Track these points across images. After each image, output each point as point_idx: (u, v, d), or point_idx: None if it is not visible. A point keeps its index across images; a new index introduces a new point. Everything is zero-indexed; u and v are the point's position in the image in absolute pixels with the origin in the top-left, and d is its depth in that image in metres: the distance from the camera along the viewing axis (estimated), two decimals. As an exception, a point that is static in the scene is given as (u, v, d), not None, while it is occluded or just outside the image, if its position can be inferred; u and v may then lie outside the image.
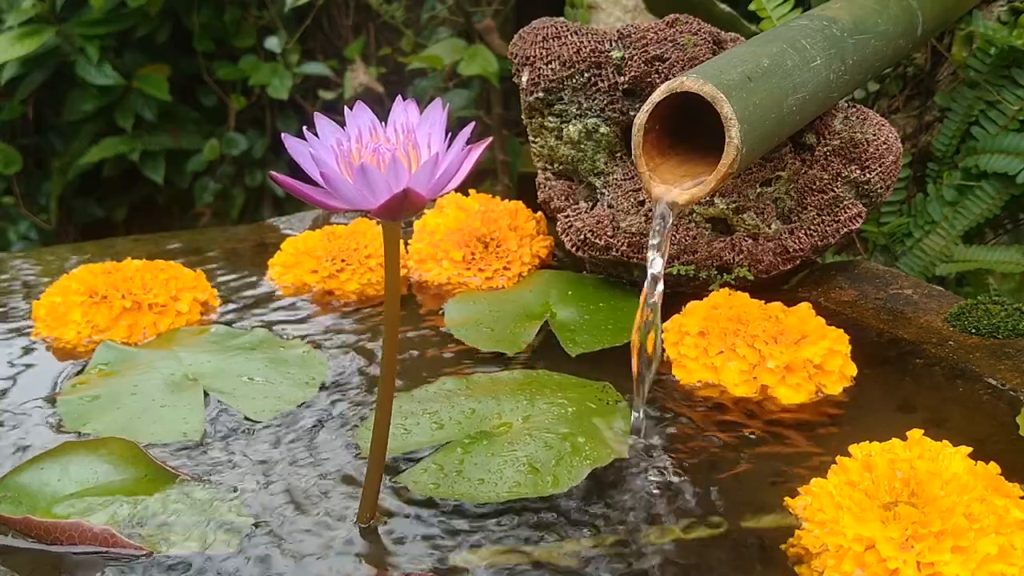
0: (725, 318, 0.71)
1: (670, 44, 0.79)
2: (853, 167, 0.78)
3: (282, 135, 0.50)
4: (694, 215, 0.81)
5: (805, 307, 0.72)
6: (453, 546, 0.53)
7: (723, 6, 0.99)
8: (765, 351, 0.68)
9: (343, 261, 0.88)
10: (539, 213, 0.93)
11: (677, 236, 0.80)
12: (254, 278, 0.92)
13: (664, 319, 0.68)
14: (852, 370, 0.69)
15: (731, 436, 0.63)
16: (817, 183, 0.79)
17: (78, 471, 0.59)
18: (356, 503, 0.57)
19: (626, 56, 0.80)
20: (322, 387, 0.71)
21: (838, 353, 0.68)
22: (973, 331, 0.73)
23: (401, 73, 1.77)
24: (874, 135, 0.78)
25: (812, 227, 0.79)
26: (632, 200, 0.81)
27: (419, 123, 0.50)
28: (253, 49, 1.89)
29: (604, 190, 0.84)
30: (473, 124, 0.49)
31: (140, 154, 1.83)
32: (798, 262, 0.80)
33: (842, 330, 0.71)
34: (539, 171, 0.88)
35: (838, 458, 0.55)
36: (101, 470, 0.59)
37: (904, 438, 0.55)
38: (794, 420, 0.65)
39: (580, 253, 0.84)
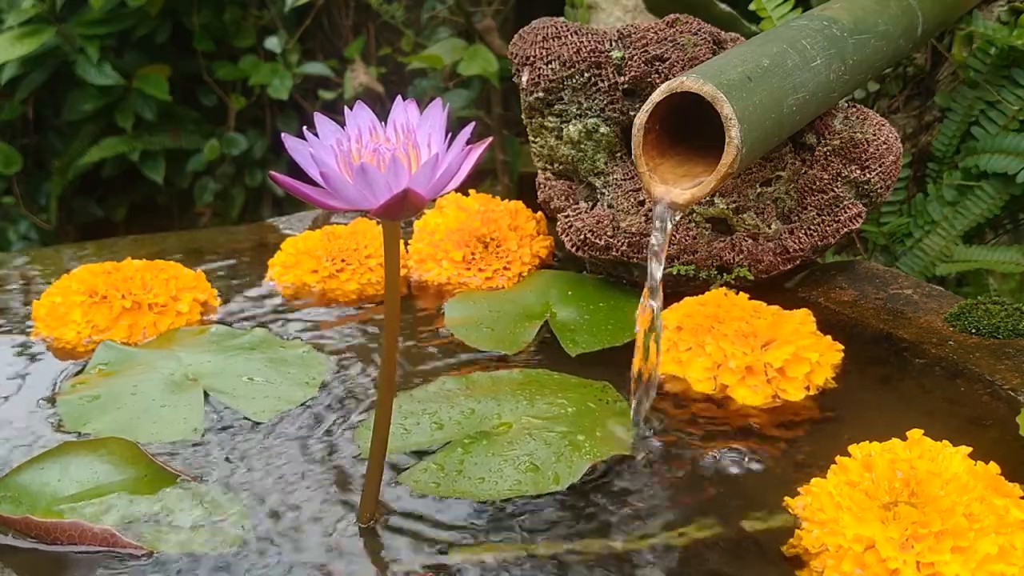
0: (703, 315, 0.71)
1: (670, 44, 0.79)
2: (853, 167, 0.78)
3: (282, 135, 0.49)
4: (694, 215, 0.81)
5: (802, 313, 0.71)
6: (453, 545, 0.53)
7: (723, 6, 0.99)
8: (729, 351, 0.68)
9: (343, 261, 0.88)
10: (539, 213, 0.93)
11: (677, 236, 0.80)
12: (254, 278, 0.92)
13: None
14: (820, 379, 0.68)
15: (731, 435, 0.63)
16: (817, 183, 0.79)
17: (78, 471, 0.59)
18: (356, 503, 0.57)
19: (626, 56, 0.80)
20: (322, 387, 0.71)
21: (805, 360, 0.67)
22: (973, 331, 0.73)
23: (401, 73, 1.77)
24: (874, 135, 0.78)
25: (812, 227, 0.79)
26: (632, 200, 0.81)
27: (419, 123, 0.50)
28: (253, 49, 1.89)
29: (604, 190, 0.84)
30: (473, 124, 0.49)
31: (140, 154, 1.83)
32: (798, 262, 0.80)
33: (830, 338, 0.70)
34: (539, 171, 0.88)
35: (838, 458, 0.55)
36: (101, 470, 0.59)
37: (904, 438, 0.55)
38: (793, 419, 0.65)
39: (580, 253, 0.84)
